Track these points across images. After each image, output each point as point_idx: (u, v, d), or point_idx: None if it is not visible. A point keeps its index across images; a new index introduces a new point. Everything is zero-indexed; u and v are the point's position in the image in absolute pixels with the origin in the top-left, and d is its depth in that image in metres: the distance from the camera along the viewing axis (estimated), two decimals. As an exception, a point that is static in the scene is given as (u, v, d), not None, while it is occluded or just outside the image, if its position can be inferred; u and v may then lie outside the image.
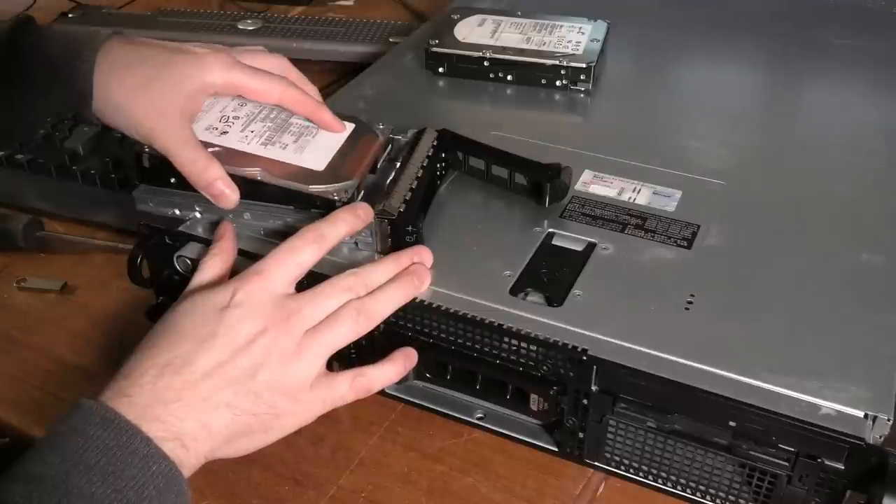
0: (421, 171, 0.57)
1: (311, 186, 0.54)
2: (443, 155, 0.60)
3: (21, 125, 0.60)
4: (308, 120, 0.59)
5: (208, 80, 0.56)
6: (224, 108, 0.58)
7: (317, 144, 0.57)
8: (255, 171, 0.54)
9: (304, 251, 0.50)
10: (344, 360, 0.56)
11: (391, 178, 0.57)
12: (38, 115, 0.58)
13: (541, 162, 0.59)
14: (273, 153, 0.56)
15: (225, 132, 0.56)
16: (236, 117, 0.58)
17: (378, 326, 0.53)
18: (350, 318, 0.49)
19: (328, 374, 0.49)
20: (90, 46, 0.56)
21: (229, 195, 0.54)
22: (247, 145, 0.56)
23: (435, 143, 0.60)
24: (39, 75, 0.56)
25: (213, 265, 0.52)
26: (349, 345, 0.55)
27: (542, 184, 0.57)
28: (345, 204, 0.53)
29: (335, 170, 0.56)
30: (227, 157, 0.55)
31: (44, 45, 0.57)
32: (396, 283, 0.51)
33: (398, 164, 0.58)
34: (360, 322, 0.49)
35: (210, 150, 0.55)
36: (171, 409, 0.43)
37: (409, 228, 0.54)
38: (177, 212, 0.58)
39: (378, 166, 0.59)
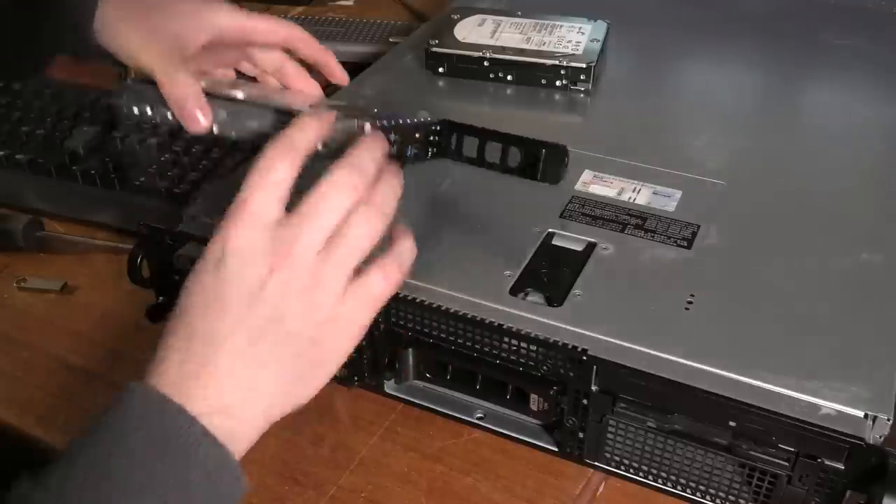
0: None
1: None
2: (435, 139, 0.56)
3: (27, 57, 0.59)
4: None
5: (214, 21, 0.56)
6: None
7: None
8: (237, 92, 0.53)
9: (278, 167, 0.43)
10: (344, 360, 0.56)
11: None
12: (44, 45, 0.58)
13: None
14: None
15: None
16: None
17: (378, 326, 0.53)
18: (362, 220, 0.44)
19: (356, 280, 0.44)
20: None
21: (199, 119, 0.51)
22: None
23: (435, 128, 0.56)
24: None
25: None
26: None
27: (538, 157, 0.52)
28: None
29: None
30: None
31: None
32: (388, 168, 0.46)
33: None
34: (373, 222, 0.44)
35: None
36: (209, 383, 0.40)
37: (392, 136, 0.50)
38: (148, 111, 0.54)
39: None
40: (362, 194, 0.44)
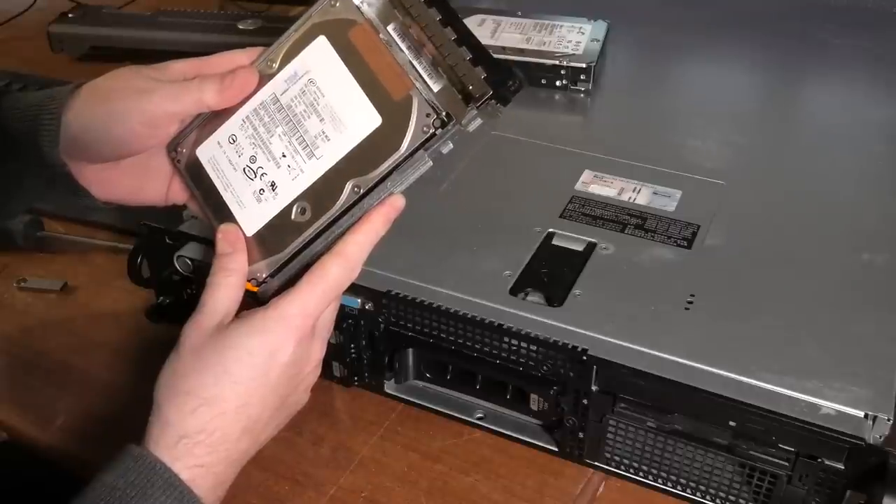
0: None
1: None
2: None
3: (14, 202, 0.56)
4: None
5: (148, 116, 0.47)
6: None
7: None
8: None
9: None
10: (343, 359, 0.56)
11: None
12: (19, 200, 0.55)
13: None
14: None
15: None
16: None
17: (378, 326, 0.53)
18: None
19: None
20: (50, 108, 0.48)
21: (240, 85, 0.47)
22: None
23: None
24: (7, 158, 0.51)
25: (227, 291, 0.45)
26: (349, 346, 0.55)
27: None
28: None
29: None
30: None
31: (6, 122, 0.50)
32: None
33: None
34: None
35: None
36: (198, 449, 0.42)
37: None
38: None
39: None
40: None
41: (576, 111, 0.74)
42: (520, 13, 0.81)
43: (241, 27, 1.01)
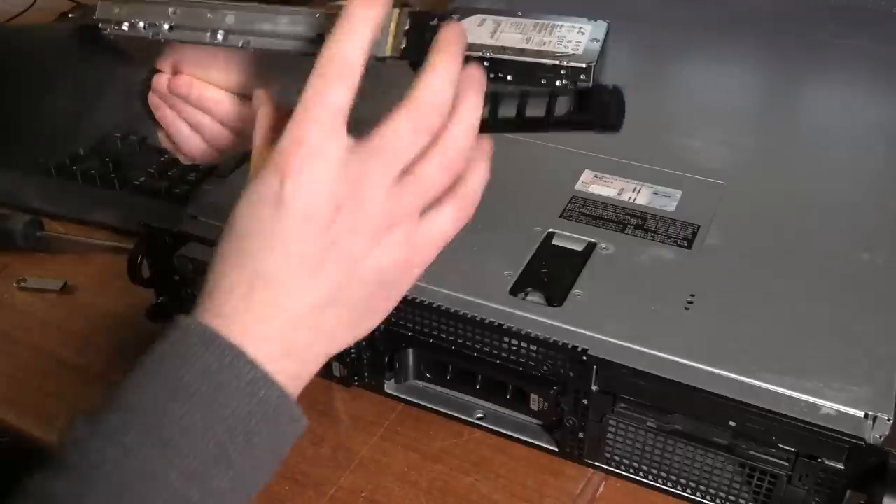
0: None
1: None
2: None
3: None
4: None
5: None
6: None
7: None
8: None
9: (334, 90, 0.39)
10: (343, 359, 0.56)
11: None
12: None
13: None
14: None
15: None
16: None
17: (378, 326, 0.53)
18: (435, 162, 0.40)
19: (427, 216, 0.41)
20: None
21: None
22: None
23: None
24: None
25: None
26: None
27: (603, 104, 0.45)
28: None
29: None
30: None
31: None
32: (467, 96, 0.42)
33: None
34: (449, 164, 0.41)
35: None
36: (275, 326, 0.38)
37: (434, 21, 0.44)
38: (141, 25, 0.46)
39: None
40: (438, 130, 0.40)
41: (576, 111, 0.73)
42: (520, 13, 0.80)
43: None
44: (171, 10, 0.45)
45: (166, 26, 0.45)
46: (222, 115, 0.50)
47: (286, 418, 0.38)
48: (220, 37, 0.44)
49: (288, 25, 0.44)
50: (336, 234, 0.39)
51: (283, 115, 0.41)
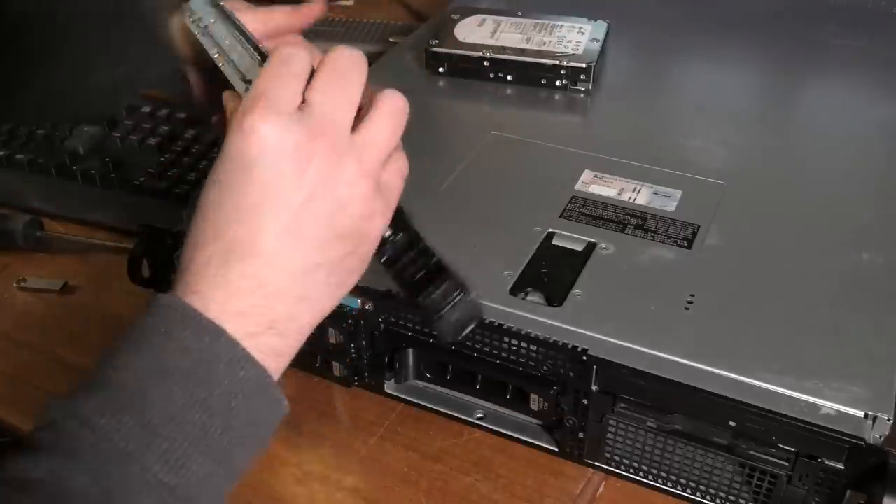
0: None
1: None
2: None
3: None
4: None
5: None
6: None
7: None
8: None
9: (299, 55, 0.40)
10: (343, 359, 0.56)
11: None
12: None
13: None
14: None
15: None
16: None
17: (378, 326, 0.53)
18: (386, 97, 0.41)
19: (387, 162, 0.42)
20: None
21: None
22: None
23: None
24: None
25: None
26: (349, 345, 0.55)
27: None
28: None
29: None
30: None
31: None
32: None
33: None
34: (396, 99, 0.41)
35: None
36: (253, 299, 0.37)
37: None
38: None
39: None
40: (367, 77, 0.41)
41: (576, 111, 0.74)
42: (520, 13, 0.81)
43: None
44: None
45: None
46: None
47: (267, 400, 0.37)
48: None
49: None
50: (312, 187, 0.38)
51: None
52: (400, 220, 0.44)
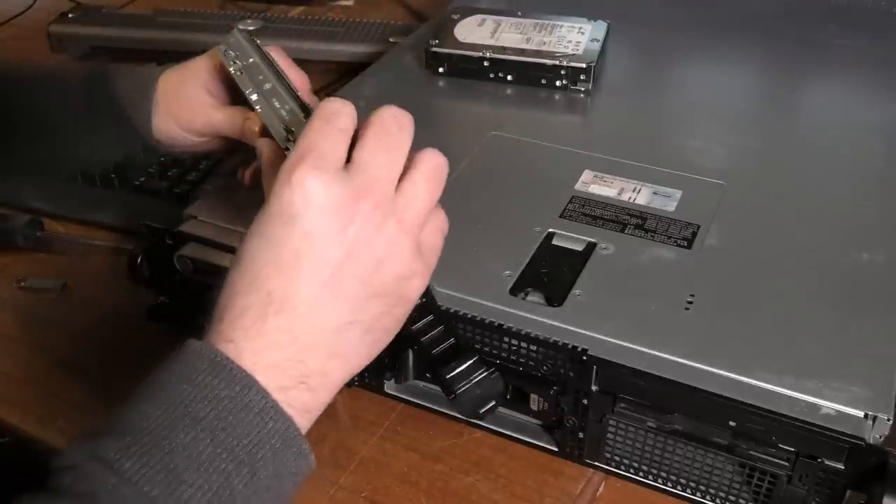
0: None
1: None
2: None
3: (71, 161, 0.64)
4: None
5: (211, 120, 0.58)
6: None
7: None
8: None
9: (344, 113, 0.41)
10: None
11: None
12: (104, 153, 0.63)
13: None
14: None
15: None
16: None
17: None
18: (427, 155, 0.42)
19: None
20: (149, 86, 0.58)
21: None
22: None
23: None
24: (107, 121, 0.59)
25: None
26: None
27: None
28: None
29: None
30: None
31: (114, 92, 0.59)
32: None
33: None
34: (438, 158, 0.42)
35: None
36: (288, 353, 0.37)
37: None
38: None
39: None
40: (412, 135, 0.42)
41: (576, 111, 0.74)
42: (520, 13, 0.81)
43: (240, 27, 1.01)
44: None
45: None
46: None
47: (294, 454, 0.37)
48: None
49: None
50: (352, 245, 0.38)
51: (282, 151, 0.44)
52: (428, 295, 0.45)
